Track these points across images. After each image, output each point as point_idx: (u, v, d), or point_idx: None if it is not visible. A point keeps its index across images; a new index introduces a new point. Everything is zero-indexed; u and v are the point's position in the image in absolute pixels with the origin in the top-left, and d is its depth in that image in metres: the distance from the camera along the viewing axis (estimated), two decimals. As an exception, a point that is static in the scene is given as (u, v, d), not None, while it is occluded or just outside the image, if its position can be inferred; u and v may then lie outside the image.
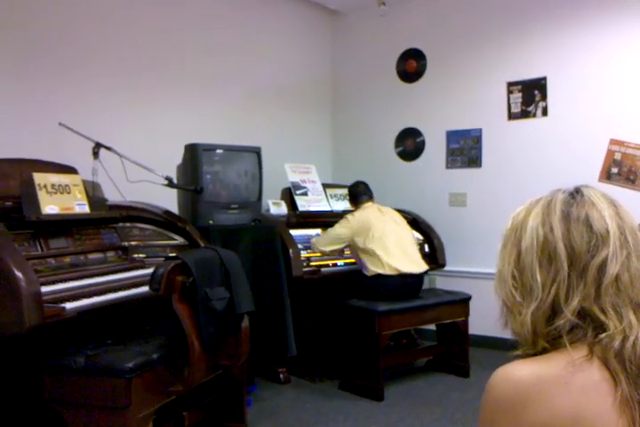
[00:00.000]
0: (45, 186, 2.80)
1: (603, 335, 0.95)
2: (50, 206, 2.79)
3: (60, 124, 3.30)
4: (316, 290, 4.26)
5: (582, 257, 0.99)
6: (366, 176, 4.56)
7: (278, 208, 4.37)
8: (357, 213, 4.08)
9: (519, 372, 0.96)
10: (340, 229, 4.02)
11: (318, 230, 4.53)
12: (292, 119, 5.30)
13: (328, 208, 4.71)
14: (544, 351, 1.00)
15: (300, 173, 4.70)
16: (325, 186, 4.83)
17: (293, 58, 5.31)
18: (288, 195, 4.57)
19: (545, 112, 4.64)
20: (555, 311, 0.99)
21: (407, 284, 3.96)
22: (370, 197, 4.22)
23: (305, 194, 4.62)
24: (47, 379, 2.44)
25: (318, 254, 4.27)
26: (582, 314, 0.98)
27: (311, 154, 5.36)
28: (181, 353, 2.57)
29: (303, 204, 4.55)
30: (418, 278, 4.04)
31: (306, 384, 4.05)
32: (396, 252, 3.94)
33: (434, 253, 4.68)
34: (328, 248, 4.07)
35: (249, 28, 4.89)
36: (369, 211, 4.09)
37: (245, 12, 4.86)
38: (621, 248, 0.99)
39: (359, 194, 4.23)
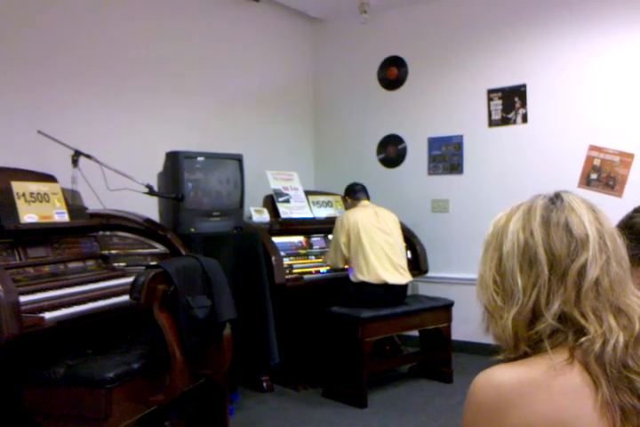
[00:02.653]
0: (24, 194, 2.77)
1: (583, 339, 0.96)
2: (28, 215, 2.76)
3: (38, 132, 3.27)
4: (299, 297, 4.25)
5: (562, 261, 0.99)
6: (348, 183, 4.55)
7: (260, 215, 4.35)
8: (350, 215, 4.04)
9: (500, 376, 0.97)
10: (339, 238, 3.99)
11: (301, 238, 4.52)
12: (274, 126, 5.30)
13: (310, 215, 4.70)
14: (525, 356, 1.00)
15: (282, 181, 4.69)
16: (308, 193, 4.82)
17: (275, 65, 5.32)
18: (270, 202, 4.56)
19: (525, 119, 4.68)
20: (536, 316, 1.00)
21: (392, 294, 3.97)
22: (367, 198, 4.26)
23: (287, 201, 4.61)
24: (26, 390, 2.40)
25: (300, 261, 4.27)
26: (563, 318, 0.98)
27: (293, 161, 5.37)
28: (163, 362, 2.54)
29: (285, 211, 4.54)
30: (402, 288, 4.05)
31: (289, 392, 4.03)
32: (385, 262, 3.94)
33: (416, 260, 4.69)
34: (339, 261, 4.05)
35: (230, 35, 4.89)
36: (364, 212, 4.06)
37: (226, 20, 4.85)
38: (601, 252, 1.00)
39: (357, 191, 4.27)
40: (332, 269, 4.24)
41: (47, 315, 2.36)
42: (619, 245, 1.03)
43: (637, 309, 1.00)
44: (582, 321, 0.97)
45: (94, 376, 2.33)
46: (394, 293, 3.97)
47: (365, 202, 4.22)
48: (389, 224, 4.10)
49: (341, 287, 4.03)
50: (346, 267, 4.11)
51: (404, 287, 4.04)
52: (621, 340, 0.95)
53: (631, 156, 4.28)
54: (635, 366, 0.95)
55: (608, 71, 4.35)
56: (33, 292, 2.55)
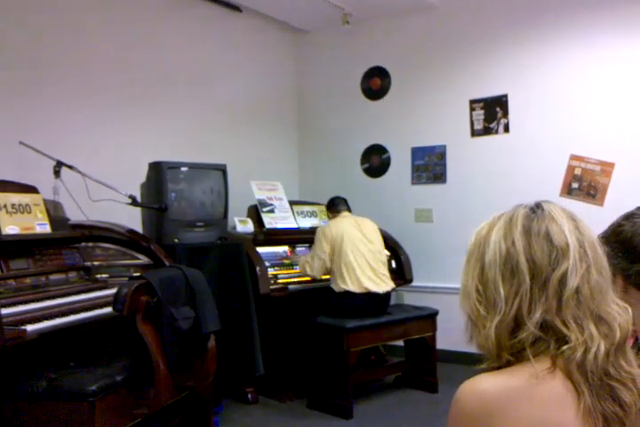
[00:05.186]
0: (5, 206, 2.75)
1: (565, 347, 0.96)
2: (10, 226, 2.73)
3: (20, 142, 3.24)
4: (284, 307, 4.23)
5: (543, 270, 1.00)
6: (333, 193, 4.56)
7: (245, 226, 4.34)
8: (332, 225, 4.06)
9: (483, 385, 0.97)
10: (322, 249, 3.98)
11: (285, 248, 4.51)
12: (258, 136, 5.30)
13: (295, 225, 4.70)
14: (508, 364, 1.00)
15: (267, 191, 4.69)
16: (292, 203, 4.82)
17: (258, 76, 5.32)
18: (254, 212, 4.55)
19: (507, 129, 4.72)
20: (518, 324, 1.00)
21: (374, 302, 3.97)
22: (348, 209, 4.27)
23: (271, 211, 4.60)
24: (8, 404, 2.37)
25: (285, 271, 4.26)
26: (545, 327, 0.99)
27: (277, 171, 5.36)
28: (146, 375, 2.52)
29: (270, 221, 4.53)
30: (385, 296, 4.05)
31: (274, 404, 4.00)
32: (368, 271, 3.94)
33: (401, 269, 4.70)
34: (319, 272, 4.03)
35: (213, 46, 4.90)
36: (345, 222, 4.07)
37: (210, 31, 4.86)
38: (581, 261, 1.00)
39: (337, 204, 4.28)
40: (316, 280, 4.23)
41: (29, 327, 2.34)
42: (599, 254, 1.04)
43: (618, 317, 1.00)
44: (564, 329, 0.98)
45: (77, 389, 2.31)
46: (377, 301, 3.97)
47: (345, 213, 4.23)
48: (371, 233, 4.12)
49: (324, 297, 4.03)
50: (325, 277, 4.11)
51: (386, 295, 4.05)
52: (602, 348, 0.96)
53: (611, 165, 4.33)
54: (616, 373, 0.96)
55: (588, 82, 4.40)
56: (14, 304, 2.53)
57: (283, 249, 4.49)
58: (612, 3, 4.28)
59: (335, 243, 3.94)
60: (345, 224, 4.05)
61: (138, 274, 3.08)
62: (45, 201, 3.03)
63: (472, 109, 4.86)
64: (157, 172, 3.64)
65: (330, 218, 4.34)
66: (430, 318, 4.21)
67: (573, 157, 4.45)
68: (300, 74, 5.78)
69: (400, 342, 4.39)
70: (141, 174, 3.73)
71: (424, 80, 5.10)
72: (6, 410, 2.37)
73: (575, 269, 0.99)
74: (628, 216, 1.40)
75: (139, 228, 3.65)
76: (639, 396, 0.97)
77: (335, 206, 4.28)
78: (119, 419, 2.46)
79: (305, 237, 4.57)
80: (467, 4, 4.87)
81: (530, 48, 4.60)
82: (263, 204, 4.58)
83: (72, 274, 3.06)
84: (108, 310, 2.65)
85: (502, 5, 4.72)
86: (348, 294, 3.90)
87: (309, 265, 4.07)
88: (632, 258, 1.33)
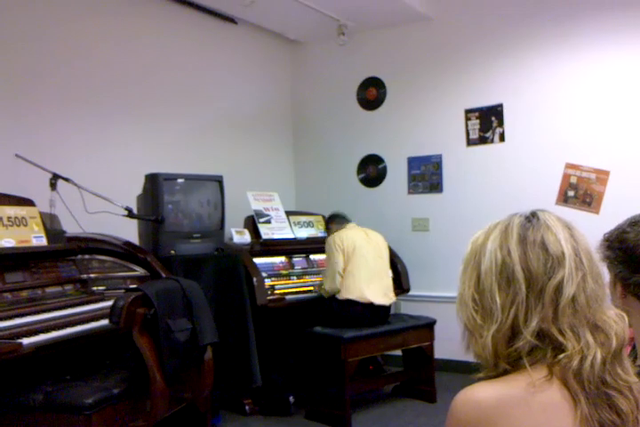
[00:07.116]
0: (1, 219, 2.74)
1: (561, 356, 0.97)
2: (6, 239, 2.73)
3: (16, 155, 3.25)
4: (281, 318, 4.22)
5: (539, 279, 1.00)
6: (329, 203, 4.58)
7: (241, 237, 4.34)
8: (343, 235, 4.01)
9: (481, 394, 0.97)
10: (335, 258, 3.94)
11: (282, 258, 4.51)
12: (255, 147, 5.31)
13: (292, 236, 4.69)
14: (505, 373, 1.00)
15: (263, 201, 4.69)
16: (289, 213, 4.82)
17: (254, 86, 5.35)
18: (251, 223, 4.54)
19: (502, 138, 4.74)
20: (514, 333, 1.00)
21: (375, 314, 3.96)
22: (350, 221, 4.24)
23: (268, 222, 4.60)
24: (4, 417, 2.35)
25: (282, 282, 4.25)
26: (541, 335, 0.99)
27: (274, 181, 5.36)
28: (143, 387, 2.51)
29: (266, 231, 4.53)
30: (386, 309, 4.05)
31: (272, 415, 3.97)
32: (372, 283, 3.93)
33: (398, 279, 4.68)
34: (336, 284, 3.95)
35: (209, 57, 4.92)
36: (354, 232, 4.05)
37: (206, 42, 4.89)
38: (577, 270, 1.01)
39: (342, 217, 4.26)
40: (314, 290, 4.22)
41: (25, 341, 2.33)
42: (594, 262, 1.05)
43: (614, 325, 1.01)
44: (560, 338, 0.98)
45: (73, 402, 2.30)
46: (377, 313, 3.96)
47: (351, 224, 4.19)
48: (380, 245, 4.12)
49: (326, 304, 4.01)
50: None
51: (387, 308, 4.04)
52: (599, 356, 0.96)
53: (607, 173, 4.34)
54: (613, 382, 0.96)
55: (582, 90, 4.43)
56: (11, 317, 2.52)
57: (280, 260, 4.49)
58: (602, 12, 4.32)
59: (347, 252, 3.92)
60: (355, 236, 4.01)
61: (134, 286, 3.07)
62: (41, 214, 3.02)
63: (467, 119, 4.88)
64: (154, 183, 3.64)
65: (332, 231, 4.30)
66: (428, 327, 4.19)
67: (569, 166, 4.47)
68: (296, 85, 5.80)
69: (398, 352, 4.37)
70: (138, 186, 3.73)
71: (419, 90, 5.12)
72: (2, 423, 2.36)
73: (571, 277, 1.00)
74: (634, 223, 1.40)
75: (135, 240, 3.65)
76: (636, 404, 0.97)
77: (340, 219, 4.25)
78: (116, 432, 2.45)
79: (302, 248, 4.57)
80: (461, 16, 4.90)
81: (524, 58, 4.63)
82: (260, 214, 4.58)
83: (68, 287, 3.05)
84: (105, 322, 2.64)
85: (496, 17, 4.74)
86: (350, 302, 3.89)
87: (328, 283, 3.98)
88: (633, 268, 1.33)
